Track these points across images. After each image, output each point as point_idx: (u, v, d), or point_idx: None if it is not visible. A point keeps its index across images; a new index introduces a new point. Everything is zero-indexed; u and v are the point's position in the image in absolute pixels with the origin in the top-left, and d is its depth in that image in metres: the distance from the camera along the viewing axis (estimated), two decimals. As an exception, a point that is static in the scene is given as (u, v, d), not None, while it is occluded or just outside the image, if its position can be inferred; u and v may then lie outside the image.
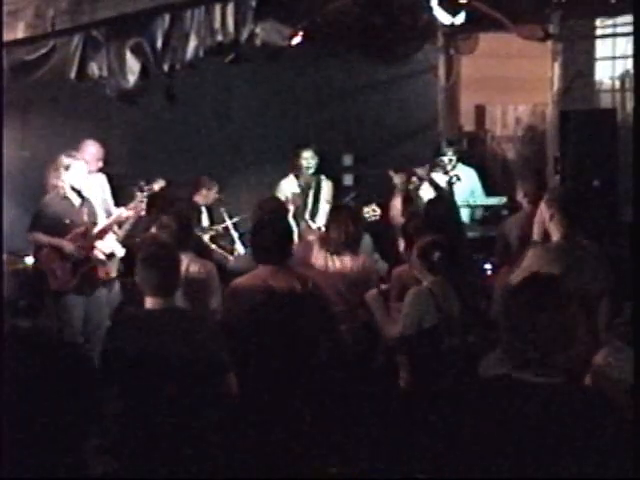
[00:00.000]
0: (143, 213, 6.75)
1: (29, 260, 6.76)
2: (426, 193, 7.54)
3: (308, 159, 8.17)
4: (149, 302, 4.05)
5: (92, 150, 7.49)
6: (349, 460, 4.63)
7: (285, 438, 4.41)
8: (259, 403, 4.23)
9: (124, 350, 3.94)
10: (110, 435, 3.99)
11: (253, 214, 6.06)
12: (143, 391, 3.91)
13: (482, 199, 8.22)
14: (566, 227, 4.87)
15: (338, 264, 5.59)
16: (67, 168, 6.62)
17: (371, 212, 6.95)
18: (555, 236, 4.92)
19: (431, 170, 7.58)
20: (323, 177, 8.27)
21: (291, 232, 5.03)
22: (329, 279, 5.43)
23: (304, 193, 8.13)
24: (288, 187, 8.09)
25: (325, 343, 4.67)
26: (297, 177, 8.19)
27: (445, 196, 7.21)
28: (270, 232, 4.77)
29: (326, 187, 8.26)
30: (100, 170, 7.58)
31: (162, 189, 6.93)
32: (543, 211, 5.07)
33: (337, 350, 4.78)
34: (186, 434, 3.85)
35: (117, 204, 7.37)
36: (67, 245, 6.52)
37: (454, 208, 6.45)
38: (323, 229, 6.64)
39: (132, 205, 6.69)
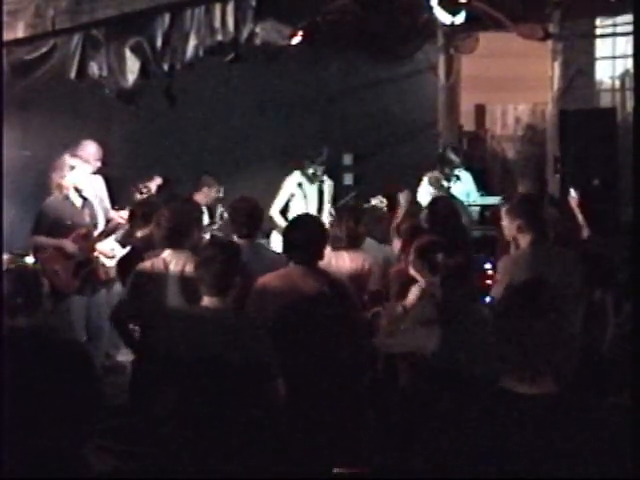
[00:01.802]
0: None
1: (29, 260, 6.75)
2: (423, 195, 7.57)
3: (318, 167, 8.17)
4: (205, 301, 4.06)
5: (91, 150, 7.44)
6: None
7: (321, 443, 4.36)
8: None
9: (173, 344, 3.95)
10: (159, 431, 3.98)
11: (228, 215, 5.95)
12: (188, 388, 3.91)
13: (478, 201, 8.24)
14: (532, 236, 4.90)
15: (338, 261, 5.57)
16: (72, 168, 6.63)
17: (379, 203, 7.10)
18: (523, 245, 4.96)
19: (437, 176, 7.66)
20: (325, 177, 8.27)
21: (324, 234, 4.84)
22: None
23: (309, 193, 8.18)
24: (293, 183, 8.11)
25: (354, 347, 4.57)
26: (302, 175, 8.20)
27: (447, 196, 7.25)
28: (302, 232, 4.67)
29: (328, 187, 8.27)
30: (98, 171, 7.55)
31: (159, 187, 6.92)
32: (507, 224, 5.05)
33: (365, 354, 4.70)
34: (230, 436, 3.82)
35: (116, 204, 7.35)
36: (70, 245, 6.52)
37: (462, 208, 6.42)
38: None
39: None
